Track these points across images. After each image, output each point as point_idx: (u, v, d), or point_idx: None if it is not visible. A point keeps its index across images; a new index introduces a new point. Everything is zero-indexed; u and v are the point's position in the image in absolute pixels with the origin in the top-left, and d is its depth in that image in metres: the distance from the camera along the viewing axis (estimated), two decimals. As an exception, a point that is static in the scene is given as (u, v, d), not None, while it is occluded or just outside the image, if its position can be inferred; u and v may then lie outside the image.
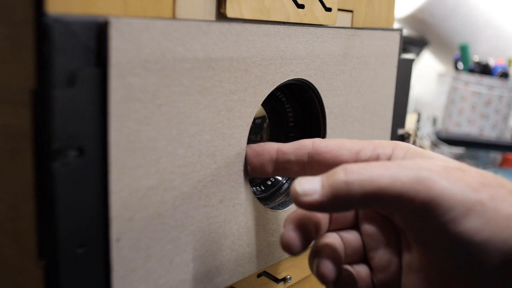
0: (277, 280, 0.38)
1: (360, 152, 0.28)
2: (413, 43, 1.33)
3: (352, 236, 0.30)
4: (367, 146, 0.28)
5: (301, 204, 0.24)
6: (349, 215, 0.31)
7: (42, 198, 0.23)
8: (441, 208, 0.23)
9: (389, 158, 0.27)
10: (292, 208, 0.38)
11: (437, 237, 0.24)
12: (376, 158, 0.28)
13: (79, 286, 0.24)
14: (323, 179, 0.24)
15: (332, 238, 0.30)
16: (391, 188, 0.23)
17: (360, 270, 0.30)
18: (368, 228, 0.30)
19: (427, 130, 1.13)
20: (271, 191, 0.39)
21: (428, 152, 0.27)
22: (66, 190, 0.23)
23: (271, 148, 0.31)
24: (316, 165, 0.29)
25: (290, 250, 0.26)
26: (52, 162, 0.22)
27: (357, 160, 0.28)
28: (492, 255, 0.24)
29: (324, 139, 0.30)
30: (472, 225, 0.23)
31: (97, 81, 0.23)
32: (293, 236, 0.26)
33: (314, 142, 0.29)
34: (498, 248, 0.23)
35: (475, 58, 1.17)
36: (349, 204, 0.24)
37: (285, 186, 0.40)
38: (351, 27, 0.41)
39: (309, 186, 0.24)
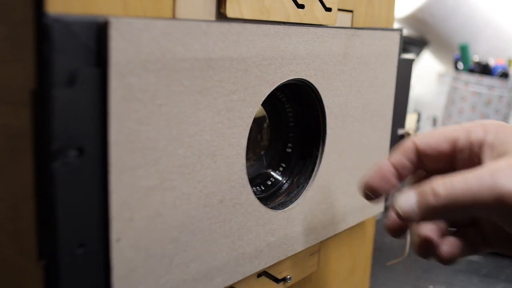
0: (277, 280, 0.38)
1: (457, 142, 0.31)
2: (413, 43, 1.33)
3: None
4: (461, 134, 0.31)
5: (402, 219, 0.29)
6: None
7: (42, 198, 0.23)
8: None
9: (482, 143, 0.30)
10: (292, 208, 0.38)
11: None
12: (470, 147, 0.31)
13: (79, 286, 0.24)
14: (418, 199, 0.28)
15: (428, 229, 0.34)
16: (473, 206, 0.27)
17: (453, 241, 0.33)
18: None
19: (427, 130, 1.13)
20: (271, 191, 0.39)
21: None
22: (66, 190, 0.23)
23: (386, 166, 0.33)
24: (422, 161, 0.33)
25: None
26: (52, 162, 0.22)
27: (455, 151, 0.32)
28: None
29: (421, 135, 0.33)
30: None
31: (97, 81, 0.23)
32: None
33: (414, 142, 0.33)
34: None
35: (475, 58, 1.16)
36: (439, 218, 0.31)
37: (285, 186, 0.40)
38: (351, 27, 0.41)
39: (406, 205, 0.28)
